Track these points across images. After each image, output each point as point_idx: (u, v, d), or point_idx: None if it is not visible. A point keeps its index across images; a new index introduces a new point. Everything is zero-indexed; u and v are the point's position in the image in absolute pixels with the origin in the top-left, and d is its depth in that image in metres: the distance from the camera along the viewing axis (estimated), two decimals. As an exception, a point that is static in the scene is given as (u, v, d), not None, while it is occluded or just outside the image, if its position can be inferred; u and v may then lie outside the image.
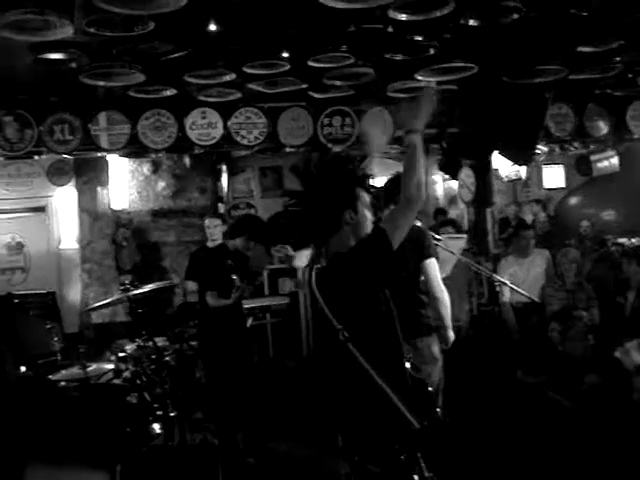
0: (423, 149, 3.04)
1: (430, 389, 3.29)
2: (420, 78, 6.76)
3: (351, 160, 3.24)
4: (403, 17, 4.87)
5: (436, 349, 4.97)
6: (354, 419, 3.09)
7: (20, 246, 9.63)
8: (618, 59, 6.72)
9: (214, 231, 6.97)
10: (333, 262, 3.13)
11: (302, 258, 5.40)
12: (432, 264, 4.90)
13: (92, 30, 4.85)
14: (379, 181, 9.87)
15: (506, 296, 7.14)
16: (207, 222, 7.09)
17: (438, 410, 3.25)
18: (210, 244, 7.05)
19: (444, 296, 4.91)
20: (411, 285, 4.93)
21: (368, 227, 3.17)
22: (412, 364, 4.87)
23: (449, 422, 4.65)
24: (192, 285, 7.06)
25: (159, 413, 5.22)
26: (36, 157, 8.08)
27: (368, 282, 3.01)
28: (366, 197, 3.20)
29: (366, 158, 3.29)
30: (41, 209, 9.70)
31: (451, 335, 5.01)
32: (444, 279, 5.19)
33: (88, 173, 9.47)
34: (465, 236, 7.16)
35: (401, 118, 3.33)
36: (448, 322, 4.97)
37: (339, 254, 3.11)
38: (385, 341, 3.06)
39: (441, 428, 3.19)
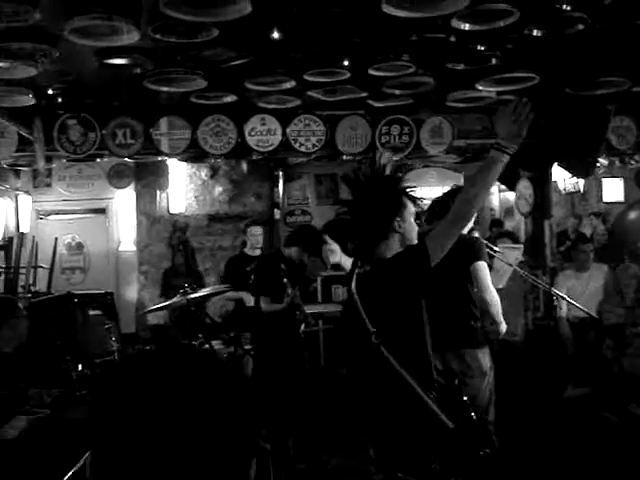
0: (499, 171, 3.06)
1: (465, 398, 3.27)
2: (480, 88, 6.72)
3: (399, 169, 3.33)
4: (466, 27, 4.85)
5: (485, 362, 4.89)
6: (387, 425, 3.14)
7: (80, 246, 9.86)
8: (684, 71, 6.58)
9: (259, 239, 6.95)
10: (376, 268, 3.27)
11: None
12: (482, 266, 4.82)
13: (157, 36, 4.93)
14: (437, 191, 9.86)
15: (563, 310, 7.04)
16: (252, 230, 7.03)
17: (473, 415, 3.24)
18: (250, 252, 7.08)
19: (493, 298, 4.81)
20: (462, 294, 4.88)
21: (414, 236, 3.32)
22: (459, 379, 4.84)
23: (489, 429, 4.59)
24: (232, 292, 7.07)
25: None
26: (98, 160, 8.24)
27: (403, 291, 3.14)
28: (411, 207, 3.33)
29: (412, 169, 3.38)
30: (101, 211, 9.92)
31: (503, 328, 4.88)
32: (499, 290, 5.13)
33: (148, 177, 9.65)
34: (522, 246, 7.08)
35: (500, 125, 3.25)
36: (499, 318, 4.88)
37: (382, 260, 3.24)
38: (415, 348, 3.16)
39: (476, 430, 3.19)
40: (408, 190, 3.35)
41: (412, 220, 3.31)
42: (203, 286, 8.04)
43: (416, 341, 3.15)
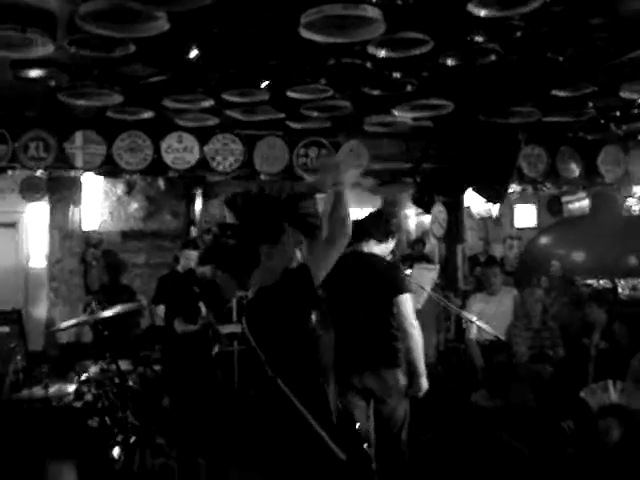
0: (346, 195, 3.16)
1: (358, 426, 3.27)
2: (397, 113, 6.84)
3: (280, 195, 3.27)
4: (382, 54, 4.93)
5: (403, 382, 4.96)
6: (278, 452, 3.07)
7: (-12, 261, 9.54)
8: (591, 104, 6.83)
9: (190, 263, 6.83)
10: (257, 295, 3.18)
11: None
12: (405, 300, 4.90)
13: (73, 49, 4.85)
14: (355, 212, 9.89)
15: (473, 333, 7.17)
16: (186, 253, 6.86)
17: (365, 446, 3.25)
18: (182, 271, 7.00)
19: (415, 332, 4.90)
20: (382, 320, 4.94)
21: (292, 264, 3.19)
22: (377, 397, 4.89)
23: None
24: (161, 309, 6.97)
25: (119, 438, 5.14)
26: (9, 172, 8.01)
27: (289, 316, 3.06)
28: (296, 235, 3.23)
29: (307, 196, 3.32)
30: (11, 225, 9.62)
31: (424, 383, 4.95)
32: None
33: (61, 191, 9.41)
34: (437, 266, 7.20)
35: (322, 179, 3.31)
36: (421, 367, 4.93)
37: (263, 288, 3.16)
38: (307, 373, 3.07)
39: (368, 463, 3.22)
40: (293, 216, 3.27)
41: (290, 247, 3.20)
42: (128, 301, 7.84)
43: (306, 367, 3.07)
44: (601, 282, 9.19)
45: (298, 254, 3.23)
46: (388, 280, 4.91)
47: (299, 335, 3.08)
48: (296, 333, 3.08)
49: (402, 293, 4.89)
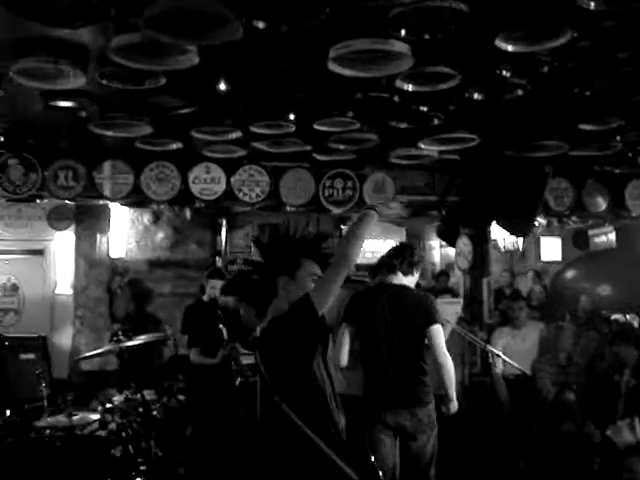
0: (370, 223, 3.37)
1: (372, 459, 3.35)
2: (423, 146, 6.85)
3: (306, 235, 3.52)
4: (409, 88, 4.96)
5: (434, 417, 5.00)
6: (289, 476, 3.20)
7: (15, 288, 9.61)
8: (618, 138, 6.80)
9: (215, 292, 6.83)
10: (270, 325, 3.36)
11: None
12: (438, 330, 5.01)
13: (104, 82, 4.92)
14: (381, 244, 9.96)
15: (498, 367, 7.10)
16: (212, 283, 6.84)
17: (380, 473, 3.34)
18: (206, 299, 7.03)
19: (448, 362, 4.97)
20: (415, 352, 4.99)
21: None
22: (409, 433, 4.90)
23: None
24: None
25: (142, 468, 5.14)
26: (38, 201, 8.11)
27: (295, 346, 3.21)
28: (312, 267, 3.42)
29: (326, 236, 3.59)
30: (39, 252, 9.70)
31: (455, 405, 5.07)
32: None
33: (89, 219, 9.49)
34: (460, 300, 7.17)
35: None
36: (452, 392, 5.02)
37: (275, 318, 3.34)
38: (315, 403, 3.21)
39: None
40: (310, 251, 3.46)
41: (306, 280, 3.38)
42: (154, 331, 7.83)
43: (311, 395, 3.22)
44: (627, 317, 9.09)
45: (310, 283, 3.37)
46: (422, 310, 4.98)
47: (304, 363, 3.22)
48: (301, 361, 3.22)
49: (436, 323, 4.96)
